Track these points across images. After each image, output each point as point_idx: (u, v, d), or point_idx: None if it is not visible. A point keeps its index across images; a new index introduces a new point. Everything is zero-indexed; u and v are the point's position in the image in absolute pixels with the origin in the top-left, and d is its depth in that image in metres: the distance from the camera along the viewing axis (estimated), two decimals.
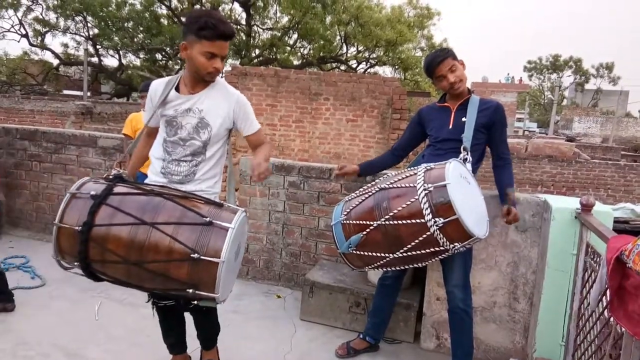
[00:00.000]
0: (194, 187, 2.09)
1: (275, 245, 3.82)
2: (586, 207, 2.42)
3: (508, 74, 31.68)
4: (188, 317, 2.36)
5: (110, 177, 1.94)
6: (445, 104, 2.63)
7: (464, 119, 2.51)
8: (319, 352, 2.87)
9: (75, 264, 1.84)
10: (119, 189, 1.89)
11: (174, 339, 2.40)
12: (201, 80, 2.07)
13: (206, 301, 1.89)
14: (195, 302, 1.94)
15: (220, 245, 1.75)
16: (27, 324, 2.90)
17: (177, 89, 2.10)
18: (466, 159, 2.42)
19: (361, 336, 2.89)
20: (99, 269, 1.84)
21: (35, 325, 2.88)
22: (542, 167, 11.52)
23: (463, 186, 2.22)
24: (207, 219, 1.79)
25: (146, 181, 2.14)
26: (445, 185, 2.09)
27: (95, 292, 3.30)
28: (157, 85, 2.14)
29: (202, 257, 1.73)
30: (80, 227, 1.77)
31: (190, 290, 1.77)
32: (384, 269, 2.49)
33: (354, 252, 2.34)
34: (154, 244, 1.76)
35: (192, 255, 1.73)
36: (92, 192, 1.83)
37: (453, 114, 2.57)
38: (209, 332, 2.43)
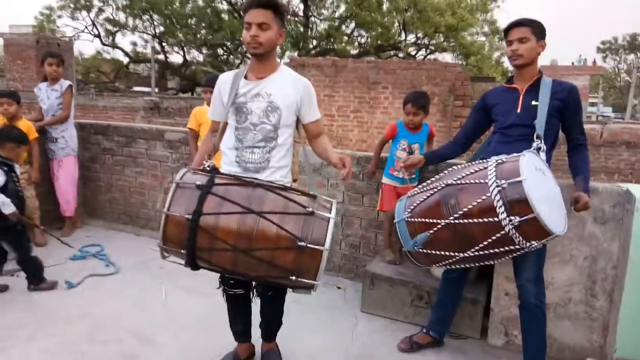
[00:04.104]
0: (268, 175, 2.11)
1: (334, 236, 3.79)
2: None
3: (580, 56, 29.76)
4: (254, 308, 2.40)
5: (207, 168, 2.00)
6: (513, 85, 2.46)
7: (534, 103, 2.33)
8: (381, 345, 2.82)
9: (183, 252, 1.88)
10: (219, 179, 1.94)
11: (241, 327, 2.44)
12: (260, 63, 2.11)
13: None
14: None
15: (323, 234, 1.82)
16: (102, 309, 3.06)
17: (246, 77, 2.15)
18: (540, 147, 2.23)
19: (425, 330, 2.80)
20: (204, 257, 1.88)
21: (110, 311, 3.04)
22: (619, 155, 10.70)
23: (539, 180, 2.04)
24: (310, 209, 1.85)
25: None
26: (520, 182, 1.92)
27: (164, 279, 3.44)
28: (226, 78, 2.20)
29: (308, 245, 1.79)
30: (189, 216, 1.82)
31: (293, 277, 1.83)
32: (453, 267, 2.37)
33: (421, 250, 2.24)
34: (262, 232, 1.82)
35: (299, 243, 1.79)
36: (198, 182, 1.88)
37: (522, 96, 2.40)
38: (273, 324, 2.47)
